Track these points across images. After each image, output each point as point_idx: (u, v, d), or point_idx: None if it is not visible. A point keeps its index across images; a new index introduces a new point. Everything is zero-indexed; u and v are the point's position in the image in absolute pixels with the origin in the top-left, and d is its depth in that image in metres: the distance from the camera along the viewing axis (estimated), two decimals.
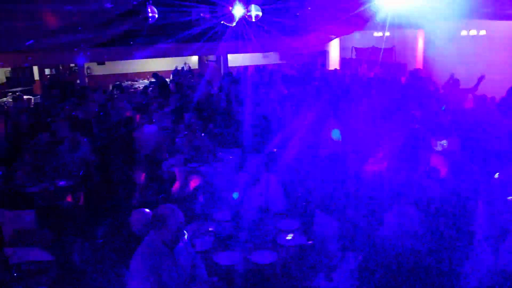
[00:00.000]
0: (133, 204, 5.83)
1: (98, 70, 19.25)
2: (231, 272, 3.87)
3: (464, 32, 14.12)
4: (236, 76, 14.11)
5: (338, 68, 18.96)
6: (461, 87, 9.77)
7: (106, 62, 18.79)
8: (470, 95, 9.37)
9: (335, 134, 6.61)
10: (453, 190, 5.83)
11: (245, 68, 14.35)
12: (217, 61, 18.82)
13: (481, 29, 13.72)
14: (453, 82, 9.71)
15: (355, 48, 20.30)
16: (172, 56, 17.70)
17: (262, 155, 5.36)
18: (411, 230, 3.79)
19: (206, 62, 20.34)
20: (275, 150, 5.38)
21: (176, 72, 18.31)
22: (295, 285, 3.83)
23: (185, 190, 5.52)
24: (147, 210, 4.24)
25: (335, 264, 3.87)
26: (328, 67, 19.75)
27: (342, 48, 20.98)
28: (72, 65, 18.73)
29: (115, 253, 4.23)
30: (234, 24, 8.80)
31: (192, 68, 19.69)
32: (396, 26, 12.77)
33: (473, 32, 13.80)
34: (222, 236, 4.30)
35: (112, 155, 7.61)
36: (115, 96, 13.41)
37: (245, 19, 9.27)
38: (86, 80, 17.12)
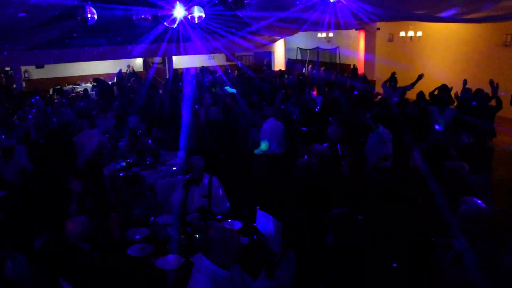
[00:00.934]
0: (71, 212, 5.63)
1: (36, 73, 18.44)
2: (173, 276, 3.83)
3: (402, 33, 14.76)
4: (181, 78, 13.98)
5: (284, 68, 19.22)
6: (399, 85, 10.19)
7: (45, 65, 18.03)
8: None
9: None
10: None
11: (189, 70, 14.24)
12: (162, 63, 18.56)
13: (418, 31, 14.41)
14: (392, 80, 10.11)
15: (300, 49, 20.69)
16: (114, 59, 17.25)
17: (205, 157, 5.33)
18: (351, 227, 3.85)
19: (151, 64, 20.02)
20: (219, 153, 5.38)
21: (120, 75, 17.89)
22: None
23: (127, 196, 5.40)
24: (83, 218, 4.12)
25: (277, 261, 3.92)
26: (274, 67, 19.99)
27: (288, 49, 21.32)
28: (7, 68, 17.84)
29: (53, 264, 4.08)
30: (175, 25, 8.70)
31: (136, 70, 19.29)
32: (338, 27, 13.14)
33: (410, 33, 14.46)
34: (164, 240, 4.25)
35: (50, 162, 7.32)
36: (56, 100, 12.93)
37: (188, 21, 9.20)
38: (24, 84, 16.36)
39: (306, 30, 14.36)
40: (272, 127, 7.09)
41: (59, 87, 17.03)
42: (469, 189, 4.20)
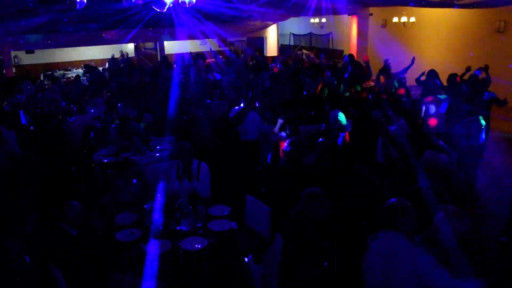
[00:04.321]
0: (63, 198, 5.63)
1: (26, 59, 18.25)
2: (162, 260, 3.85)
3: (395, 19, 14.68)
4: (173, 63, 13.86)
5: (277, 54, 19.11)
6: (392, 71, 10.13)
7: (35, 51, 17.83)
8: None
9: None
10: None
11: (181, 55, 14.10)
12: (154, 48, 18.39)
13: (411, 16, 14.33)
14: (385, 67, 10.05)
15: (293, 34, 20.58)
16: (105, 44, 17.07)
17: (193, 143, 5.32)
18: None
19: (142, 49, 19.86)
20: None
21: (112, 61, 17.73)
22: (225, 269, 3.86)
23: (117, 181, 5.39)
24: (77, 203, 4.12)
25: (264, 245, 3.96)
26: (267, 53, 19.87)
27: (280, 35, 21.18)
28: None
29: (44, 249, 4.08)
30: (165, 9, 8.61)
31: (129, 56, 19.11)
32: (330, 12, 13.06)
33: (404, 19, 14.39)
34: (153, 225, 4.26)
35: (41, 148, 7.29)
36: (46, 86, 12.80)
37: (179, 5, 9.12)
38: (14, 70, 16.17)
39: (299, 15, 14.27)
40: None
41: (49, 72, 16.86)
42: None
